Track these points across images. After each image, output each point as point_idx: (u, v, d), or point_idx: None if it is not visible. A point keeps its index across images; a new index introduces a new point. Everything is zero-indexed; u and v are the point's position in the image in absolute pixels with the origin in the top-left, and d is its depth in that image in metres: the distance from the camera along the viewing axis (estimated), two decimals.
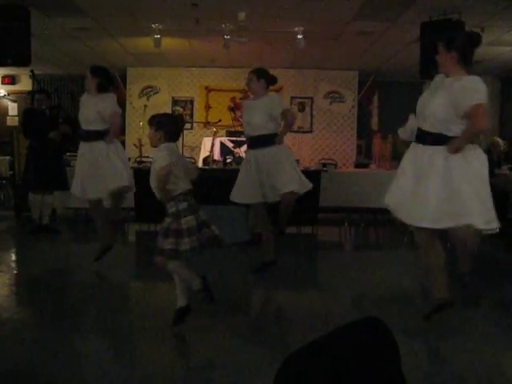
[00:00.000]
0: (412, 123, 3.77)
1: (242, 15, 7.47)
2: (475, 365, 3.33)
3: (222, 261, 5.81)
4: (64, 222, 8.34)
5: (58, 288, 4.89)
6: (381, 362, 1.51)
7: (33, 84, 7.58)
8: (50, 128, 7.03)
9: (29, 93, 7.49)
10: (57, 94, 11.50)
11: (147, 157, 9.61)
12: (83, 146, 5.44)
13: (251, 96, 5.55)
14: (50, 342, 3.46)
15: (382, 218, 8.42)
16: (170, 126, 3.67)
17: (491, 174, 7.51)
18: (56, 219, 7.92)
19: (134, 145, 9.10)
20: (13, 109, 12.55)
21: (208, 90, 11.91)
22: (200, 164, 8.88)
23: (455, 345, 3.64)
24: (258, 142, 5.25)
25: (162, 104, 11.89)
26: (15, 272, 5.59)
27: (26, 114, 7.51)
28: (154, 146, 3.70)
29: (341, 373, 1.41)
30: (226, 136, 9.28)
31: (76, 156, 8.21)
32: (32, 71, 7.71)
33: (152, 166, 3.67)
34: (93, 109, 5.30)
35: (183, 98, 12.02)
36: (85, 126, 5.39)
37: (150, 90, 11.90)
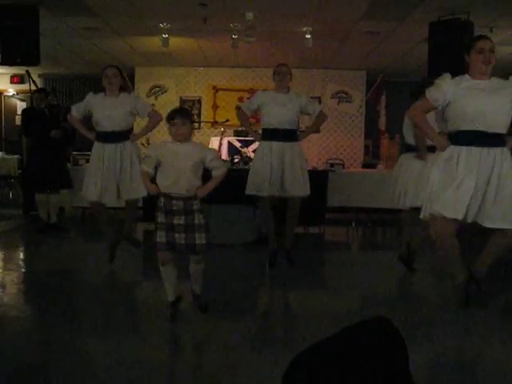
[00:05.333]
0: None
1: (250, 15, 7.46)
2: (484, 364, 3.32)
3: (229, 260, 5.81)
4: (72, 221, 8.38)
5: (66, 286, 4.91)
6: (389, 362, 1.51)
7: (30, 84, 7.56)
8: (49, 127, 7.04)
9: (33, 93, 7.49)
10: (56, 93, 11.56)
11: None
12: (104, 148, 5.21)
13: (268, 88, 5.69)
14: (58, 341, 3.48)
15: (390, 218, 8.40)
16: None
17: None
18: (64, 218, 7.96)
19: (142, 144, 9.10)
20: (21, 108, 12.58)
21: (216, 89, 11.92)
22: None
23: (465, 345, 3.64)
24: (285, 136, 5.32)
25: (169, 103, 11.87)
26: (23, 270, 5.61)
27: (25, 114, 7.53)
28: (183, 141, 3.61)
29: (349, 373, 1.41)
30: (234, 136, 9.28)
31: (83, 155, 8.26)
32: (27, 71, 7.72)
33: (186, 158, 3.57)
34: (121, 109, 5.19)
35: (191, 98, 12.03)
36: (110, 128, 5.17)
37: (157, 89, 11.93)
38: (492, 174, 3.61)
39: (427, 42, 7.55)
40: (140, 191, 5.20)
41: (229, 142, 8.85)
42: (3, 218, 8.60)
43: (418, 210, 5.16)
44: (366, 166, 10.27)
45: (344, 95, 11.92)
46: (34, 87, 7.45)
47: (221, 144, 8.49)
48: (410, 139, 5.34)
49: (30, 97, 7.56)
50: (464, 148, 3.64)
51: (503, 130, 3.66)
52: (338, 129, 11.87)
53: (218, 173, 3.65)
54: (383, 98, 10.94)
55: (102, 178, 5.19)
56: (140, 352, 3.35)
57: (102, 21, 7.98)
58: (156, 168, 3.66)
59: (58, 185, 7.29)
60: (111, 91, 5.22)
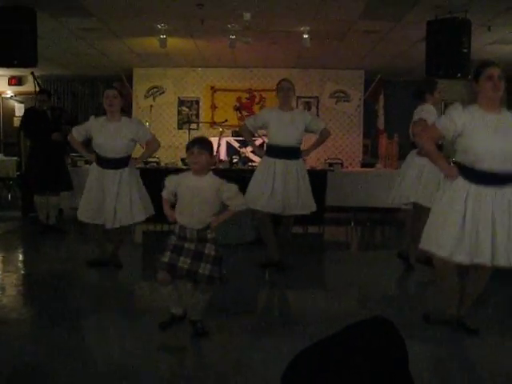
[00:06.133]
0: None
1: (247, 15, 7.45)
2: (482, 363, 3.32)
3: (227, 261, 5.80)
4: (71, 223, 8.36)
5: (65, 288, 4.91)
6: (389, 361, 1.51)
7: (34, 86, 7.57)
8: (51, 129, 7.02)
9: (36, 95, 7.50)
10: (58, 95, 11.56)
11: (153, 157, 9.61)
12: (103, 173, 5.18)
13: (270, 106, 5.66)
14: (57, 342, 3.47)
15: (389, 218, 8.41)
16: None
17: None
18: (63, 220, 7.95)
19: (140, 145, 9.10)
20: (19, 109, 12.57)
21: (214, 89, 11.91)
22: None
23: (464, 344, 3.64)
24: (289, 154, 5.33)
25: (168, 104, 11.91)
26: (22, 272, 5.61)
27: (26, 114, 7.52)
28: (200, 172, 3.52)
29: (348, 372, 1.41)
30: (232, 136, 9.28)
31: (81, 156, 8.24)
32: (32, 73, 7.71)
33: (202, 194, 3.50)
34: (122, 137, 5.15)
35: (189, 98, 12.01)
36: (110, 154, 5.14)
37: (155, 90, 11.91)
38: (505, 212, 3.48)
39: (425, 41, 7.55)
40: (137, 216, 5.25)
41: (227, 143, 8.85)
42: (2, 220, 8.60)
43: (419, 205, 5.17)
44: (364, 165, 10.26)
45: (342, 94, 11.90)
46: (37, 88, 7.47)
47: (219, 144, 8.48)
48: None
49: (35, 98, 7.55)
50: (477, 187, 3.49)
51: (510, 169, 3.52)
52: (337, 128, 11.85)
53: (235, 208, 3.60)
54: (381, 97, 10.94)
55: (101, 202, 5.19)
56: (140, 353, 3.35)
57: (100, 22, 7.97)
58: (175, 196, 3.61)
59: (58, 187, 7.27)
60: (112, 114, 5.18)
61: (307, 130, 5.50)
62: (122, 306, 4.39)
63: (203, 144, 3.54)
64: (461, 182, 3.55)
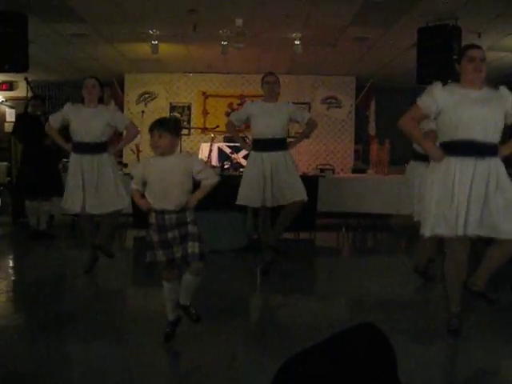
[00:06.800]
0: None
1: (239, 21, 7.49)
2: (474, 369, 3.32)
3: (219, 266, 5.80)
4: (61, 228, 8.34)
5: (56, 294, 4.89)
6: (377, 368, 1.51)
7: (27, 91, 7.58)
8: (45, 134, 7.01)
9: (29, 100, 7.49)
10: (51, 101, 11.52)
11: None
12: (81, 160, 5.19)
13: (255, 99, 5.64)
14: (48, 348, 3.45)
15: (380, 223, 8.43)
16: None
17: None
18: (53, 225, 7.92)
19: (132, 150, 9.10)
20: (10, 115, 12.55)
21: (205, 95, 11.92)
22: None
23: (454, 350, 3.64)
24: (275, 145, 5.33)
25: (159, 110, 11.89)
26: (13, 278, 5.58)
27: (18, 119, 7.50)
28: (165, 154, 3.41)
29: (337, 378, 1.41)
30: (224, 142, 9.28)
31: None
32: (26, 79, 7.69)
33: (171, 174, 3.39)
34: (100, 121, 5.16)
35: (181, 104, 12.02)
36: (87, 139, 5.14)
37: (147, 95, 11.91)
38: (489, 183, 3.50)
39: (416, 47, 7.59)
40: (123, 202, 5.25)
41: (219, 148, 8.84)
42: None
43: None
44: (356, 171, 10.29)
45: (333, 101, 11.94)
46: (31, 93, 7.46)
47: (211, 150, 8.48)
48: (418, 147, 5.14)
49: (26, 103, 7.54)
50: (459, 159, 3.51)
51: (496, 140, 3.56)
52: (328, 134, 11.89)
53: (207, 182, 3.44)
54: (373, 103, 10.98)
55: (83, 190, 5.17)
56: (132, 355, 3.34)
57: (92, 27, 7.97)
58: (145, 185, 3.48)
59: (50, 192, 7.25)
60: (89, 101, 5.23)
61: (292, 121, 5.53)
62: (113, 311, 4.37)
63: (163, 126, 3.41)
64: (448, 161, 3.55)
